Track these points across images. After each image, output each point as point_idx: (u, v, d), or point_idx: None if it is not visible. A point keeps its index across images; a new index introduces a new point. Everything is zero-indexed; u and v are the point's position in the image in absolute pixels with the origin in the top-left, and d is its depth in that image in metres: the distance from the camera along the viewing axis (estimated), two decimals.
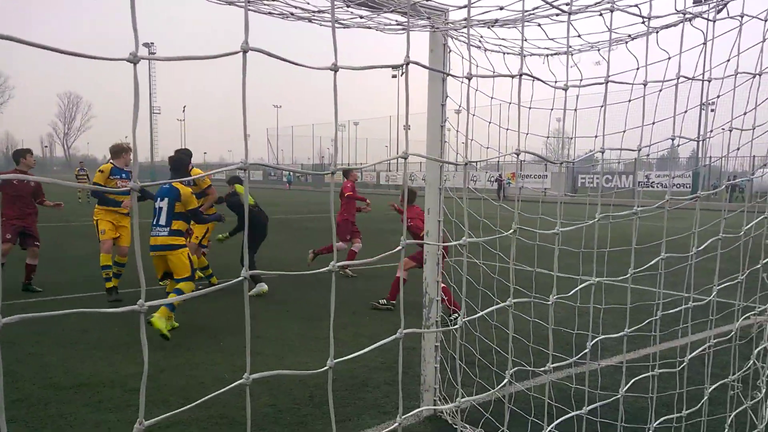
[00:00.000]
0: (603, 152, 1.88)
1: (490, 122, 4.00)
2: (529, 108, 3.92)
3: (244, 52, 1.05)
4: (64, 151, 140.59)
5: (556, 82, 3.02)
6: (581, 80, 3.34)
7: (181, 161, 6.96)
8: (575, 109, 3.47)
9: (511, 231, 1.55)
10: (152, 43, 79.31)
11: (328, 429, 3.95)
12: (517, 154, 1.48)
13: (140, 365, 5.12)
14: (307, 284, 9.00)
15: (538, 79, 1.58)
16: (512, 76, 1.37)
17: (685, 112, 2.60)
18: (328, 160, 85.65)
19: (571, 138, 3.94)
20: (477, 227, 4.28)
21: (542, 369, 2.06)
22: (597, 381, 4.45)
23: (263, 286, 8.17)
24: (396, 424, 1.45)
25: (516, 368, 3.12)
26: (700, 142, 3.16)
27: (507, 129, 3.81)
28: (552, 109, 3.72)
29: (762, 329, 2.65)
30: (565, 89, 1.62)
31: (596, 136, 3.46)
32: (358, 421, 4.09)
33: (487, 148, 4.04)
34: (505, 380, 1.77)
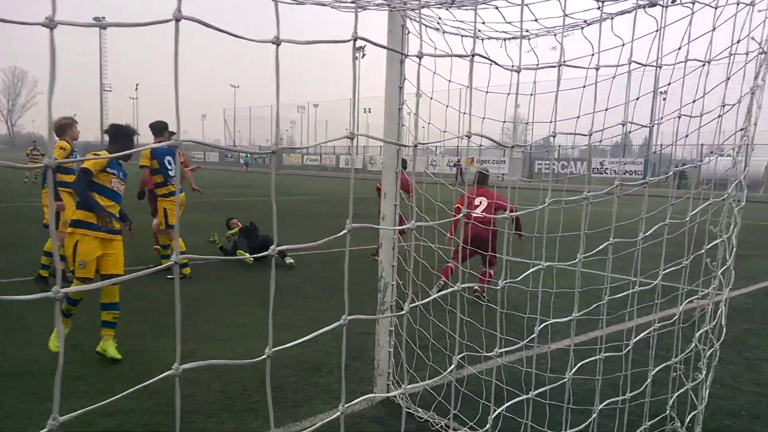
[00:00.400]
0: (555, 136, 1.88)
1: (447, 105, 3.99)
2: (486, 92, 3.92)
3: (177, 20, 0.98)
4: (8, 129, 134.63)
5: (513, 66, 3.02)
6: (537, 64, 3.35)
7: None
8: (532, 94, 3.48)
9: (461, 215, 1.53)
10: (104, 17, 76.32)
11: (279, 415, 3.92)
12: (468, 137, 1.46)
13: (82, 352, 4.96)
14: (265, 267, 8.90)
15: (492, 61, 1.55)
16: (464, 57, 1.34)
17: (638, 99, 2.63)
18: (287, 142, 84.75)
19: (527, 123, 3.95)
20: (433, 211, 4.29)
21: (491, 354, 2.07)
22: (547, 364, 4.54)
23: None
24: (339, 412, 1.42)
25: (462, 355, 3.14)
26: (652, 130, 3.22)
27: (464, 113, 3.79)
28: (508, 94, 3.72)
29: (704, 313, 2.74)
30: (518, 71, 1.60)
31: (551, 122, 3.49)
32: (309, 407, 4.07)
33: (444, 131, 4.03)
34: (453, 366, 1.76)
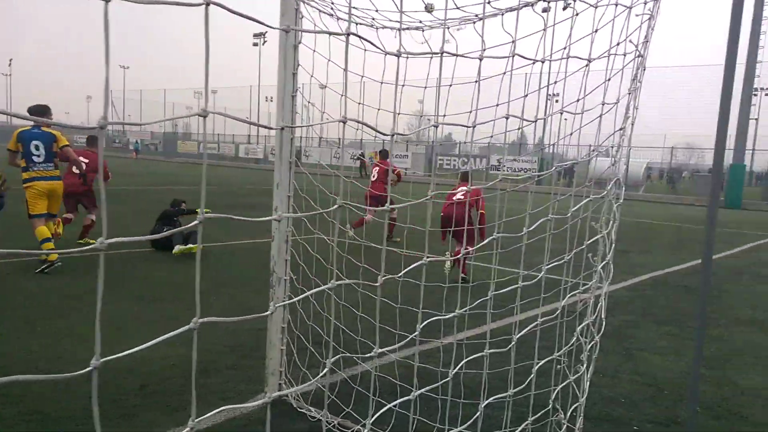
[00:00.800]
0: (437, 127, 1.85)
1: (342, 95, 3.89)
2: (381, 83, 3.87)
3: None
4: None
5: (405, 54, 2.97)
6: (432, 58, 3.34)
7: None
8: (425, 87, 3.47)
9: (336, 206, 1.45)
10: None
11: (160, 419, 3.67)
12: (344, 122, 1.38)
13: None
14: (147, 260, 8.41)
15: (369, 42, 1.48)
16: (339, 35, 1.25)
17: (525, 96, 2.67)
18: (182, 128, 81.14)
19: (430, 118, 3.95)
20: (328, 203, 4.19)
21: (369, 355, 2.01)
22: (439, 359, 4.61)
23: None
24: (190, 427, 1.29)
25: (338, 356, 3.08)
26: (544, 129, 3.31)
27: (359, 103, 3.73)
28: (403, 85, 3.69)
29: (586, 306, 2.85)
30: (398, 56, 1.54)
31: (444, 115, 3.50)
32: (197, 409, 3.85)
33: (344, 122, 3.92)
34: (327, 367, 1.68)
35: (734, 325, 6.50)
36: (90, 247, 1.11)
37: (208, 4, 0.97)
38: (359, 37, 1.35)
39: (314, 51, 3.86)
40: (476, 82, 3.08)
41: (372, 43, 1.48)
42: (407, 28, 3.31)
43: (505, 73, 2.77)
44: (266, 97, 67.22)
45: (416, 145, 44.47)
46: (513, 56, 1.96)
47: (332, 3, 3.33)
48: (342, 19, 3.58)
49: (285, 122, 4.04)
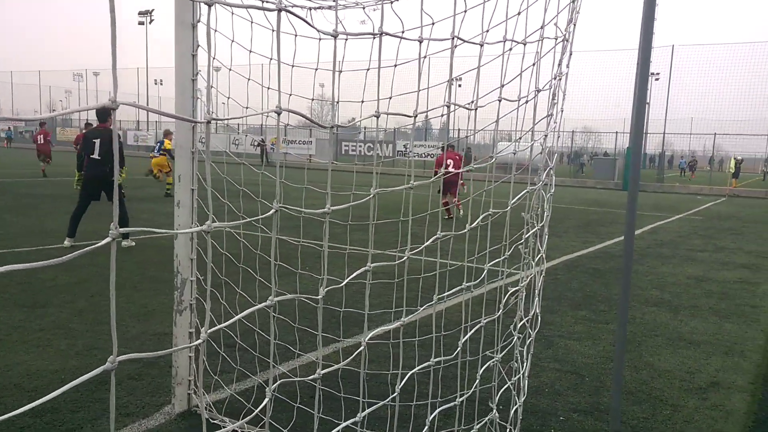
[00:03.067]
0: (378, 117, 1.77)
1: (249, 79, 3.72)
2: (292, 66, 3.73)
3: None
4: None
5: (343, 35, 2.86)
6: (351, 39, 3.24)
7: None
8: (339, 71, 3.37)
9: (273, 211, 1.34)
10: None
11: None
12: (278, 113, 1.26)
13: None
14: (24, 261, 7.74)
15: (304, 20, 1.36)
16: (271, 11, 1.14)
17: (450, 83, 2.64)
18: (61, 111, 75.46)
19: (337, 102, 3.84)
20: (237, 195, 4.00)
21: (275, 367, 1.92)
22: (365, 357, 4.55)
23: None
24: None
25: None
26: (449, 115, 3.30)
27: (268, 88, 3.57)
28: (316, 70, 3.58)
29: (518, 299, 2.88)
30: (335, 36, 1.44)
31: (362, 102, 3.42)
32: (93, 428, 3.57)
33: (246, 108, 3.76)
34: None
35: (644, 306, 6.90)
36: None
37: None
38: (295, 15, 1.24)
39: (215, 30, 3.65)
40: (394, 65, 3.03)
41: (308, 22, 1.36)
42: (319, 8, 3.18)
43: (425, 56, 2.73)
44: (155, 80, 64.06)
45: (322, 130, 44.05)
46: (452, 41, 1.91)
47: None
48: None
49: (185, 108, 3.80)
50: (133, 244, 9.41)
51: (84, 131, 10.60)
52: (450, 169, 12.51)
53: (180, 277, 3.83)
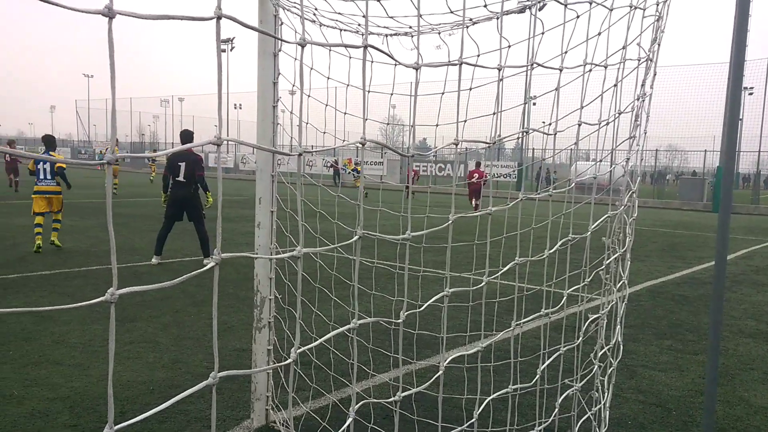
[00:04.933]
0: (456, 145, 1.79)
1: (326, 104, 3.84)
2: (368, 91, 3.82)
3: None
4: None
5: (422, 65, 2.92)
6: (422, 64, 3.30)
7: None
8: (412, 95, 3.43)
9: (357, 237, 1.38)
10: None
11: None
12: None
13: None
14: (126, 279, 8.22)
15: (388, 55, 1.42)
16: (357, 47, 1.20)
17: (527, 104, 2.64)
18: (149, 137, 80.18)
19: (406, 126, 3.90)
20: (313, 216, 4.12)
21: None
22: (433, 379, 4.54)
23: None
24: None
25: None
26: (524, 136, 3.28)
27: (345, 113, 3.68)
28: (392, 95, 3.66)
29: (598, 328, 2.79)
30: (417, 68, 1.49)
31: (437, 125, 3.46)
32: None
33: (324, 132, 3.88)
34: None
35: (738, 337, 6.48)
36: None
37: (219, 18, 0.91)
38: (378, 50, 1.30)
39: (295, 59, 3.81)
40: (469, 89, 3.05)
41: (389, 55, 1.41)
42: (395, 34, 3.26)
43: (501, 80, 2.75)
44: (235, 105, 66.85)
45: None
46: (531, 66, 1.92)
47: (315, 9, 3.27)
48: (325, 25, 3.52)
49: (266, 133, 3.96)
50: (213, 263, 9.79)
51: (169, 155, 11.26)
52: (473, 180, 21.01)
53: (260, 296, 3.97)
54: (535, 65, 2.00)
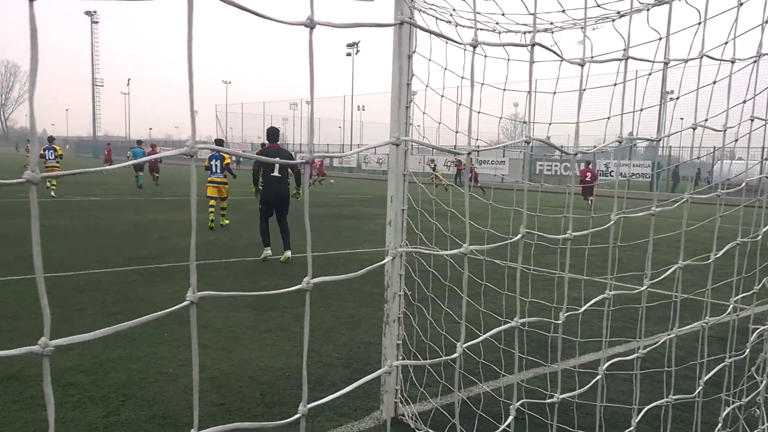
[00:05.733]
0: (620, 142, 1.72)
1: (459, 104, 3.84)
2: (503, 90, 3.77)
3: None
4: (0, 123, 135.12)
5: (589, 61, 2.85)
6: (561, 61, 3.20)
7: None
8: (554, 93, 3.34)
9: (520, 236, 1.37)
10: (95, 12, 76.25)
11: (280, 430, 3.75)
12: (528, 142, 1.30)
13: (78, 357, 4.81)
14: (259, 271, 8.73)
15: (553, 52, 1.39)
16: (524, 46, 1.19)
17: (675, 98, 2.48)
18: (280, 139, 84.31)
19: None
20: (444, 215, 4.13)
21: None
22: (573, 383, 4.38)
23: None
24: None
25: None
26: (660, 132, 3.06)
27: (479, 112, 3.66)
28: (529, 92, 3.58)
29: (762, 339, 2.57)
30: (582, 65, 1.45)
31: (577, 123, 3.34)
32: (312, 423, 3.90)
33: (456, 132, 3.88)
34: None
35: None
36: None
37: (401, 24, 0.94)
38: (544, 46, 1.28)
39: (429, 60, 3.84)
40: (614, 85, 2.91)
41: (555, 52, 1.39)
42: (531, 31, 3.18)
43: (650, 73, 2.60)
44: (358, 107, 68.59)
45: (515, 150, 43.53)
46: (704, 60, 1.80)
47: (453, 10, 3.27)
48: (461, 25, 3.52)
49: (400, 134, 4.02)
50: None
51: (260, 151, 11.72)
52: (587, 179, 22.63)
53: (390, 291, 4.05)
54: (703, 56, 1.87)
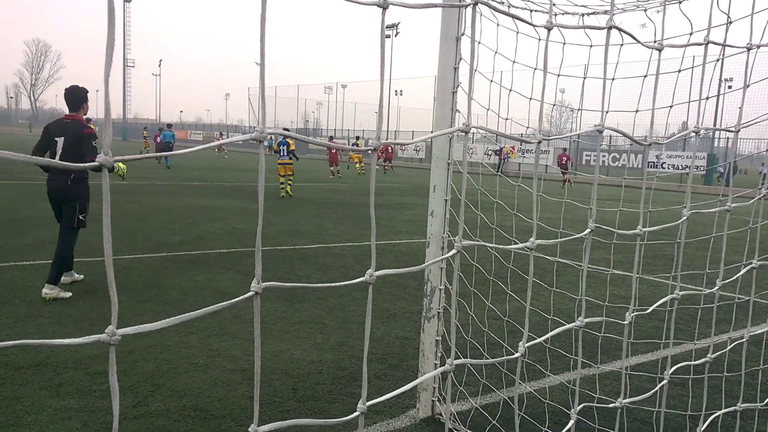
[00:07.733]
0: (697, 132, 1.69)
1: (510, 90, 3.80)
2: (558, 75, 3.72)
3: None
4: (30, 103, 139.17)
5: (654, 41, 2.81)
6: (622, 44, 3.14)
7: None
8: (611, 78, 3.28)
9: (588, 231, 1.36)
10: None
11: (315, 427, 3.80)
12: (600, 132, 1.29)
13: (107, 346, 4.95)
14: (292, 261, 8.82)
15: (631, 36, 1.36)
16: (601, 29, 1.17)
17: (749, 86, 2.40)
18: (313, 124, 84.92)
19: (607, 111, 3.74)
20: (490, 207, 4.11)
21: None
22: (610, 386, 4.33)
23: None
24: None
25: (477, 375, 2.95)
26: (718, 122, 2.98)
27: (531, 99, 3.61)
28: (584, 78, 3.52)
29: None
30: (660, 50, 1.42)
31: (636, 111, 3.28)
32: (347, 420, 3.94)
33: (507, 119, 3.84)
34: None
35: None
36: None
37: (475, 5, 0.93)
38: (621, 30, 1.26)
39: (479, 42, 3.81)
40: (678, 71, 2.85)
41: (631, 35, 1.36)
42: (593, 13, 3.13)
43: (718, 59, 2.53)
44: (395, 91, 68.44)
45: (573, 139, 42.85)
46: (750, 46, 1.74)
47: None
48: (515, 6, 3.47)
49: (445, 120, 4.01)
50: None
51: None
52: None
53: (429, 285, 4.05)
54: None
